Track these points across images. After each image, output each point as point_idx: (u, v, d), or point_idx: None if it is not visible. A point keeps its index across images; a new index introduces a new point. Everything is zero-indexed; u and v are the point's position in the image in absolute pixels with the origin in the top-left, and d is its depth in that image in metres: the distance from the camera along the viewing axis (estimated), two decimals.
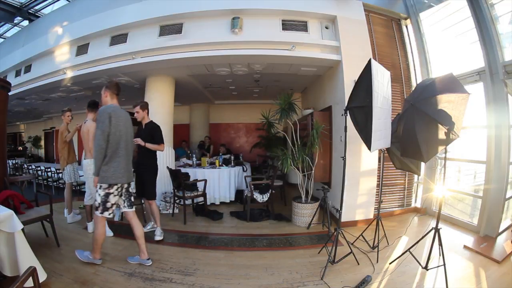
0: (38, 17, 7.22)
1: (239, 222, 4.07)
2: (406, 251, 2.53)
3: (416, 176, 4.36)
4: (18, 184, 3.25)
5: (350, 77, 3.72)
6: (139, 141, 3.17)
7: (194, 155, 5.57)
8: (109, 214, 2.48)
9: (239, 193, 5.07)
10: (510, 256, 2.73)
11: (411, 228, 3.55)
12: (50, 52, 5.25)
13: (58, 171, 6.42)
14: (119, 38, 4.48)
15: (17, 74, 5.95)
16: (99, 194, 2.43)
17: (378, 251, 2.82)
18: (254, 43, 3.92)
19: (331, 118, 4.33)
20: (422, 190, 4.54)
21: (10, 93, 3.49)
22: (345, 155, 2.70)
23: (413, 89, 3.75)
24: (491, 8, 3.27)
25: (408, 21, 4.59)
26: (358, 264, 2.65)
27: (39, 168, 7.12)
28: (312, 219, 3.75)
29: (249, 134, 8.86)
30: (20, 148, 12.06)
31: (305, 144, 3.99)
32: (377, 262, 2.70)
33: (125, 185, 2.56)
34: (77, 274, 2.41)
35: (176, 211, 4.38)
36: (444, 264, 2.21)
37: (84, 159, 3.41)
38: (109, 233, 3.38)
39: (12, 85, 3.77)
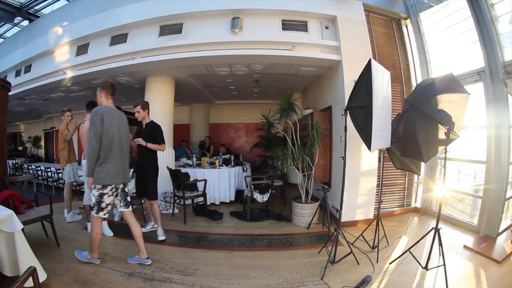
0: (38, 17, 7.22)
1: (239, 222, 4.07)
2: (406, 251, 2.53)
3: (416, 176, 4.36)
4: (18, 184, 3.25)
5: (350, 77, 3.72)
6: (141, 141, 3.16)
7: (194, 155, 5.57)
8: (104, 214, 2.49)
9: (239, 193, 5.07)
10: (510, 256, 2.73)
11: (411, 228, 3.55)
12: (50, 52, 5.25)
13: (58, 171, 6.43)
14: (119, 38, 4.48)
15: (17, 74, 5.96)
16: (94, 195, 2.44)
17: (378, 251, 2.82)
18: (254, 43, 3.92)
19: (331, 118, 4.33)
20: (422, 190, 4.54)
21: (10, 93, 3.49)
22: (345, 155, 2.70)
23: (413, 89, 3.75)
24: (491, 8, 3.27)
25: (408, 21, 4.59)
26: (358, 264, 2.65)
27: (39, 168, 7.13)
28: (312, 219, 3.75)
29: (249, 134, 8.86)
30: (20, 148, 12.06)
31: (305, 144, 3.99)
32: (377, 262, 2.70)
33: (120, 186, 2.56)
34: (77, 274, 2.41)
35: (176, 211, 4.38)
36: (444, 264, 2.21)
37: (84, 159, 3.41)
38: (109, 233, 3.39)
39: (12, 85, 3.78)
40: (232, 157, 5.51)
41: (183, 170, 4.58)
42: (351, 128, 2.61)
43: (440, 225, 2.34)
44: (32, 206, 3.06)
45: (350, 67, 3.81)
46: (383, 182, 3.24)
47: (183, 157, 6.11)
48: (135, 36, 4.36)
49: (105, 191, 2.43)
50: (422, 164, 3.28)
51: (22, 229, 2.07)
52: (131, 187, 3.98)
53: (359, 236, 3.16)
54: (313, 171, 3.99)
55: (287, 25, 3.97)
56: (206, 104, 8.50)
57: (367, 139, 2.34)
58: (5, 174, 3.24)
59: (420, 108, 2.25)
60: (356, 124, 2.55)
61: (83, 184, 5.56)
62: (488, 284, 2.29)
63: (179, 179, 4.07)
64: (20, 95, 6.24)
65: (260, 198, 4.12)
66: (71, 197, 4.02)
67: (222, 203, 4.98)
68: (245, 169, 5.48)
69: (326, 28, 4.05)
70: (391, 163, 3.16)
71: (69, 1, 6.56)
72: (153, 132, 3.27)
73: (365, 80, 2.32)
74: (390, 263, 2.66)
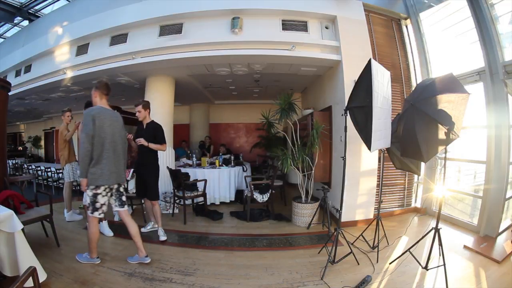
0: (38, 17, 7.22)
1: (239, 222, 4.07)
2: (406, 251, 2.53)
3: (416, 176, 4.36)
4: (18, 184, 3.25)
5: (350, 77, 3.72)
6: (143, 141, 3.14)
7: (194, 155, 5.57)
8: (99, 214, 2.49)
9: (239, 193, 5.07)
10: (510, 256, 2.73)
11: (411, 228, 3.54)
12: (50, 52, 5.25)
13: (58, 171, 6.43)
14: (119, 38, 4.48)
15: (17, 74, 5.95)
16: (88, 195, 2.46)
17: (378, 251, 2.82)
18: (254, 43, 3.92)
19: (331, 118, 4.33)
20: (422, 190, 4.54)
21: (10, 93, 3.49)
22: (345, 155, 2.70)
23: (413, 89, 3.75)
24: (491, 8, 3.27)
25: (408, 21, 4.58)
26: (358, 264, 2.65)
27: (39, 168, 7.13)
28: (312, 219, 3.75)
29: (249, 134, 8.86)
30: (20, 148, 12.06)
31: (305, 144, 3.99)
32: (377, 262, 2.70)
33: (115, 186, 2.56)
34: (77, 274, 2.41)
35: (176, 211, 4.38)
36: (444, 264, 2.21)
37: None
38: (109, 233, 3.39)
39: (12, 85, 3.78)
40: (232, 157, 5.51)
41: (183, 170, 4.58)
42: (351, 128, 2.61)
43: (440, 225, 2.34)
44: (32, 206, 3.06)
45: (350, 67, 3.81)
46: (383, 182, 3.24)
47: (183, 157, 6.11)
48: (135, 36, 4.36)
49: (99, 191, 2.44)
50: (422, 164, 3.28)
51: (22, 229, 2.07)
52: (131, 187, 3.99)
53: (359, 236, 3.15)
54: (313, 171, 3.99)
55: (287, 25, 3.97)
56: (206, 104, 8.50)
57: (367, 139, 2.34)
58: (5, 174, 3.24)
59: (420, 108, 2.25)
60: (356, 124, 2.55)
61: None
62: (488, 284, 2.29)
63: (179, 179, 4.07)
64: (20, 95, 6.23)
65: (260, 198, 4.12)
66: (71, 196, 4.03)
67: (222, 203, 4.98)
68: (245, 169, 5.48)
69: (326, 28, 4.05)
70: (391, 163, 3.16)
71: (69, 1, 6.56)
72: (155, 132, 3.25)
73: (365, 80, 2.32)
74: (390, 263, 2.66)
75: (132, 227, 2.61)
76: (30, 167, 7.53)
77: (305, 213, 3.83)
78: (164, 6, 4.11)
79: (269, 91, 6.47)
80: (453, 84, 2.25)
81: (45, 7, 7.30)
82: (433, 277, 2.37)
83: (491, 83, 3.28)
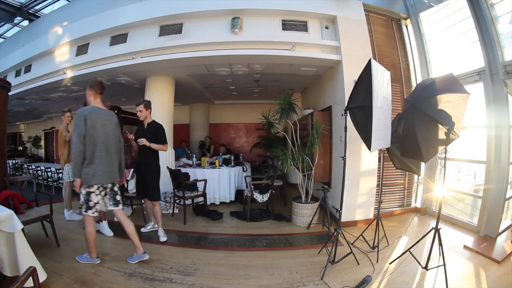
0: (38, 17, 7.22)
1: (239, 222, 4.07)
2: (406, 251, 2.53)
3: (416, 176, 4.36)
4: (18, 184, 3.25)
5: (350, 77, 3.72)
6: (145, 141, 3.12)
7: (194, 155, 5.57)
8: (93, 213, 2.49)
9: (239, 193, 5.07)
10: (510, 256, 2.73)
11: (411, 228, 3.55)
12: (50, 52, 5.25)
13: (58, 171, 6.44)
14: (119, 38, 4.48)
15: (17, 74, 5.96)
16: (81, 193, 2.46)
17: (378, 251, 2.82)
18: (254, 43, 3.92)
19: (331, 118, 4.33)
20: (422, 190, 4.53)
21: (10, 93, 3.49)
22: (345, 155, 2.70)
23: (413, 89, 3.75)
24: (491, 8, 3.27)
25: (408, 21, 4.58)
26: (358, 264, 2.65)
27: (39, 168, 7.13)
28: (312, 219, 3.75)
29: (249, 134, 8.86)
30: (20, 148, 12.06)
31: (305, 144, 3.99)
32: (377, 262, 2.70)
33: (109, 185, 2.56)
34: (77, 274, 2.41)
35: (176, 211, 4.37)
36: (444, 264, 2.21)
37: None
38: (109, 233, 3.40)
39: (12, 85, 3.77)
40: (232, 157, 5.50)
41: (183, 170, 4.58)
42: (351, 128, 2.61)
43: (440, 225, 2.34)
44: (32, 206, 3.06)
45: (350, 67, 3.81)
46: (383, 182, 3.24)
47: (183, 157, 6.11)
48: (135, 36, 4.36)
49: (92, 189, 2.45)
50: (422, 164, 3.28)
51: (22, 229, 2.07)
52: (131, 187, 3.99)
53: (359, 236, 3.15)
54: (313, 171, 3.99)
55: (287, 25, 3.97)
56: (206, 104, 8.50)
57: (367, 139, 2.34)
58: (5, 174, 3.24)
59: (420, 108, 2.25)
60: (356, 124, 2.55)
61: None
62: (488, 284, 2.29)
63: (179, 179, 4.07)
64: (20, 95, 6.24)
65: (260, 198, 4.12)
66: (71, 196, 4.03)
67: (222, 203, 4.98)
68: (245, 169, 5.48)
69: (326, 28, 4.05)
70: (391, 163, 3.16)
71: (69, 1, 6.56)
72: (157, 132, 3.23)
73: (365, 80, 2.32)
74: (390, 263, 2.66)
75: (128, 225, 2.62)
76: (30, 167, 7.53)
77: (305, 213, 3.83)
78: (164, 6, 4.11)
79: (269, 91, 6.47)
80: (453, 84, 2.25)
81: (45, 7, 7.31)
82: (433, 277, 2.37)
83: (491, 83, 3.28)
